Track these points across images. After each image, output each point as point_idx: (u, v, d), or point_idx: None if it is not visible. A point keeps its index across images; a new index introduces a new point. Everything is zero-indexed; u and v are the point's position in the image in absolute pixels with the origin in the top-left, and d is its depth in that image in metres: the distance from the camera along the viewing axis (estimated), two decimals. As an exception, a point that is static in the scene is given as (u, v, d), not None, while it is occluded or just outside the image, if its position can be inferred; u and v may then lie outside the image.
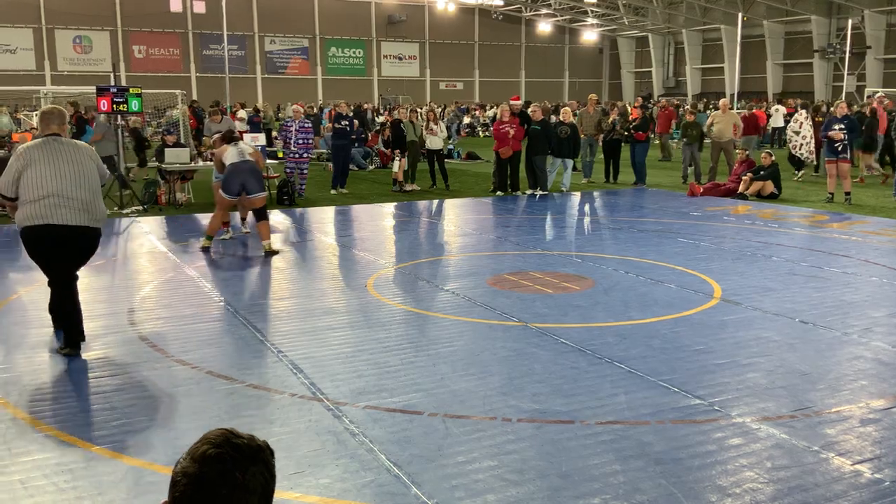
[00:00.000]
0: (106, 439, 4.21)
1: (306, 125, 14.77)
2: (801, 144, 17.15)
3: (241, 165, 9.32)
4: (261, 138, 14.34)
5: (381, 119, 27.34)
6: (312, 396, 4.80)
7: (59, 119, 5.72)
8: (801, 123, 17.19)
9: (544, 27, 54.57)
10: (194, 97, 33.26)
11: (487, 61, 53.69)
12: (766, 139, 26.58)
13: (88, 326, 6.39)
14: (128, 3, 43.55)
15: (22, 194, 5.46)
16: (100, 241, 5.79)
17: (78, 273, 5.81)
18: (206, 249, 9.60)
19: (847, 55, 31.07)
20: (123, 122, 14.82)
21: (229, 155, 9.40)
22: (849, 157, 13.56)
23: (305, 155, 14.57)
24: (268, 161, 14.25)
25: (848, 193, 13.46)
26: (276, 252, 9.47)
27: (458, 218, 12.91)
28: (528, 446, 4.12)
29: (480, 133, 35.42)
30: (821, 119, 16.59)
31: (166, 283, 7.98)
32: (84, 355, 5.66)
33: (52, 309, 5.89)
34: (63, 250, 5.53)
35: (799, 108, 21.59)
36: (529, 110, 15.47)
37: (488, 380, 5.11)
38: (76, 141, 5.89)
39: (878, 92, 24.80)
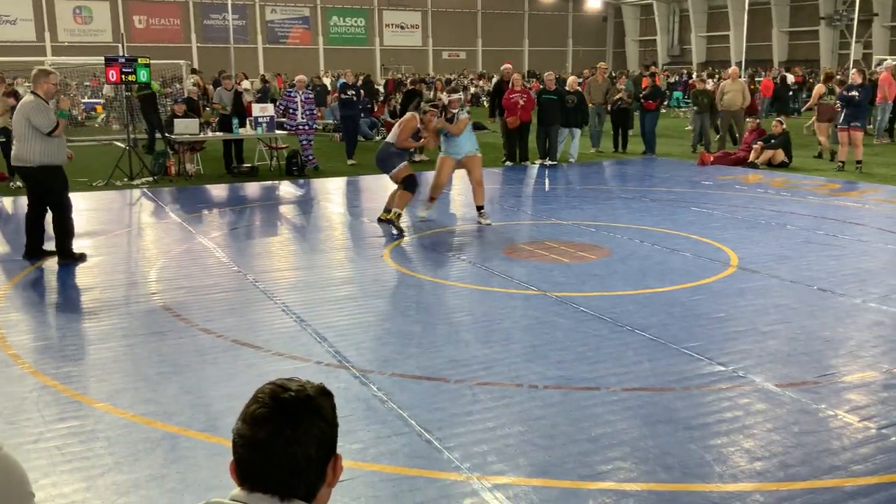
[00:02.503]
0: (138, 407, 4.26)
1: (310, 96, 14.74)
2: None
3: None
4: (269, 109, 14.26)
5: (381, 87, 27.16)
6: (339, 364, 4.84)
7: (33, 80, 7.43)
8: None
9: (548, -5, 54.01)
10: (195, 67, 32.97)
11: (490, 30, 53.18)
12: (774, 107, 26.42)
13: (109, 296, 6.46)
14: (128, -27, 43.12)
15: None
16: (43, 175, 7.29)
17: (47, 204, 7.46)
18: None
19: (854, 23, 30.73)
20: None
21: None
22: (861, 125, 13.50)
23: (314, 126, 14.54)
24: (277, 132, 14.23)
25: (859, 161, 13.42)
26: (394, 225, 8.87)
27: (469, 187, 12.86)
28: (556, 412, 4.17)
29: (485, 103, 35.20)
30: (829, 87, 16.55)
31: (183, 254, 8.00)
32: (108, 324, 5.71)
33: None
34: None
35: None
36: (545, 78, 15.40)
37: (511, 347, 5.14)
38: (25, 97, 7.54)
39: (885, 60, 24.58)
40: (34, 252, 7.59)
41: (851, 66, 27.52)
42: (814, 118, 20.44)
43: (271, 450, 1.41)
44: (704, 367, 4.76)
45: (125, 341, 5.34)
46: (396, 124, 9.52)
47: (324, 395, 1.48)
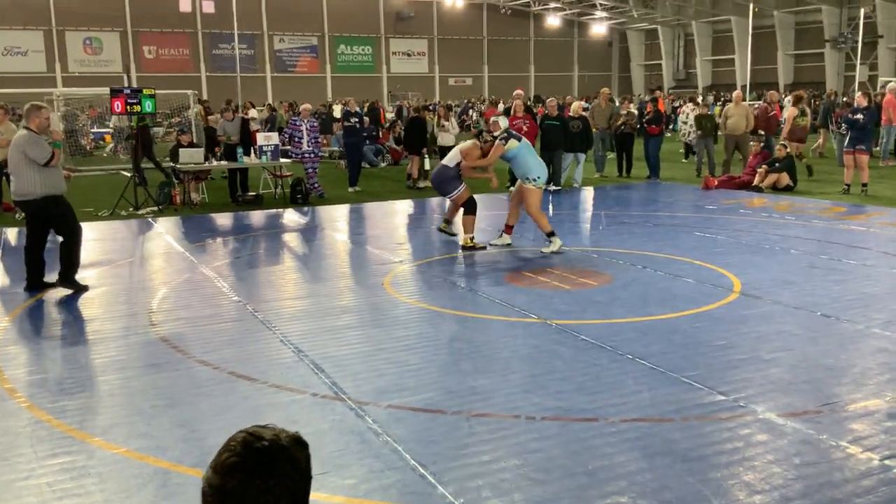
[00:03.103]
0: (131, 442, 4.22)
1: (315, 124, 14.85)
2: (689, 133, 18.38)
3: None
4: (274, 137, 14.34)
5: (389, 115, 27.25)
6: (335, 396, 4.80)
7: (25, 115, 7.63)
8: (688, 114, 18.65)
9: (553, 21, 54.37)
10: (205, 97, 33.28)
11: (496, 56, 53.52)
12: (779, 130, 26.40)
13: (109, 328, 6.45)
14: (137, 4, 43.64)
15: None
16: (45, 206, 7.41)
17: (51, 235, 7.68)
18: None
19: (859, 45, 30.77)
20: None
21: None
22: (867, 148, 13.46)
23: (319, 154, 14.64)
24: (282, 160, 14.30)
25: (865, 184, 13.36)
26: (473, 247, 9.28)
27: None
28: (553, 444, 4.11)
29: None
30: (801, 109, 16.77)
31: (184, 284, 8.00)
32: (105, 357, 5.69)
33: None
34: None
35: (686, 101, 23.45)
36: (547, 104, 15.43)
37: (510, 377, 5.10)
38: (17, 133, 7.68)
39: (890, 81, 24.58)
40: (35, 284, 7.64)
41: (857, 88, 27.53)
42: (819, 141, 20.44)
43: (242, 500, 1.38)
44: (705, 397, 4.70)
45: (121, 374, 5.31)
46: (457, 148, 9.65)
47: (299, 444, 1.44)
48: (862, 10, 31.87)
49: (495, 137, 9.29)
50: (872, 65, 38.02)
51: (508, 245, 9.47)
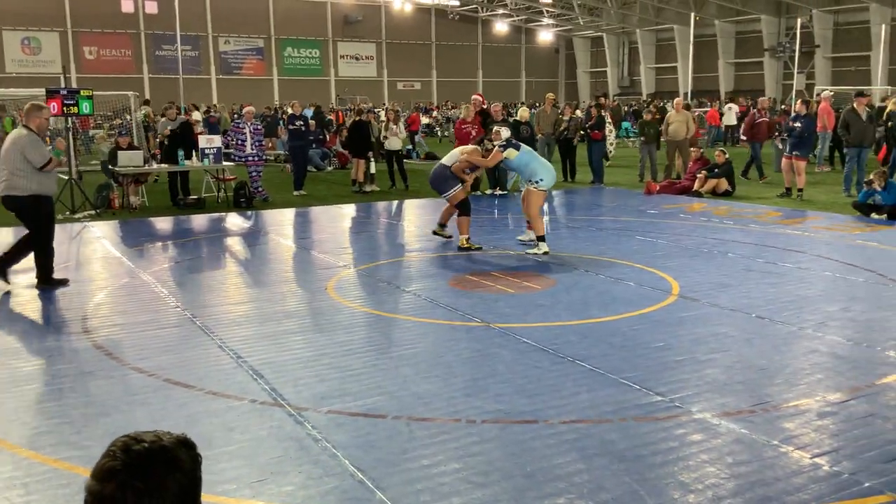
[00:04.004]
0: (61, 451, 4.09)
1: (258, 127, 14.69)
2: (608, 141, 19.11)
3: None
4: (216, 140, 14.12)
5: (332, 118, 27.03)
6: (273, 402, 4.73)
7: (25, 115, 7.72)
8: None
9: (501, 27, 54.78)
10: (147, 98, 32.62)
11: (445, 61, 53.70)
12: (719, 136, 27.04)
13: (40, 334, 6.26)
14: (78, 4, 42.61)
15: None
16: (33, 204, 7.47)
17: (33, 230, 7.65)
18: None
19: (796, 54, 31.71)
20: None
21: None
22: (803, 154, 13.87)
23: (263, 157, 14.49)
24: (225, 163, 14.09)
25: (801, 190, 13.75)
26: (467, 248, 9.35)
27: (418, 219, 12.88)
28: (492, 447, 4.11)
29: (439, 133, 35.44)
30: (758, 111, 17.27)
31: (121, 289, 7.81)
32: (35, 364, 5.52)
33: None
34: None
35: (605, 111, 23.74)
36: (491, 109, 15.50)
37: (452, 381, 5.09)
38: (16, 130, 7.70)
39: (824, 90, 25.36)
40: (48, 280, 7.80)
41: (794, 96, 28.34)
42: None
43: None
44: (642, 398, 4.76)
45: (51, 382, 5.16)
46: (458, 149, 9.73)
47: (183, 446, 1.40)
48: (799, 21, 32.85)
49: (496, 146, 9.43)
50: (809, 73, 39.21)
51: (532, 240, 9.56)
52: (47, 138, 9.05)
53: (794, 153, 13.78)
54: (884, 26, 34.22)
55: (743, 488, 3.66)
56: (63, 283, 7.79)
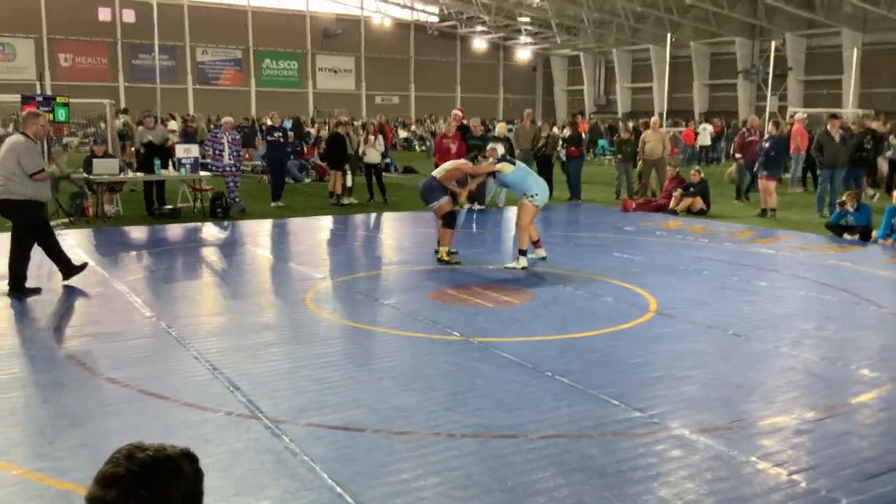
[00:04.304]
0: (33, 463, 4.01)
1: (236, 137, 14.63)
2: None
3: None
4: (193, 149, 14.01)
5: (311, 131, 26.95)
6: (250, 414, 4.68)
7: (23, 122, 8.04)
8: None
9: (479, 44, 55.08)
10: (123, 106, 32.31)
11: (423, 76, 53.83)
12: (694, 156, 27.35)
13: (11, 343, 6.15)
14: (54, 11, 42.19)
15: None
16: (21, 209, 7.58)
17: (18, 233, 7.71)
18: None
19: (770, 76, 32.19)
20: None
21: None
22: (770, 174, 14.11)
23: (240, 168, 14.42)
24: (202, 173, 13.99)
25: (773, 209, 13.95)
26: (447, 262, 9.35)
27: (396, 232, 12.87)
28: (472, 461, 4.09)
29: (417, 147, 35.51)
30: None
31: (94, 299, 7.70)
32: (6, 373, 5.41)
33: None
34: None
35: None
36: (470, 125, 15.54)
37: (431, 395, 5.06)
38: (13, 136, 7.84)
39: (797, 112, 25.79)
40: (69, 272, 8.12)
41: (768, 118, 28.76)
42: (731, 169, 21.33)
43: None
44: (621, 413, 4.77)
45: (22, 392, 5.06)
46: (449, 162, 9.78)
47: (186, 457, 1.39)
48: (773, 44, 33.35)
49: (490, 161, 9.44)
50: (782, 95, 39.80)
51: (544, 258, 9.53)
52: (52, 159, 9.72)
53: (763, 173, 14.06)
54: (855, 50, 34.85)
55: (722, 504, 3.67)
56: (36, 291, 7.72)
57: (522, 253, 9.19)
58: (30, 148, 7.60)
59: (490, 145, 9.82)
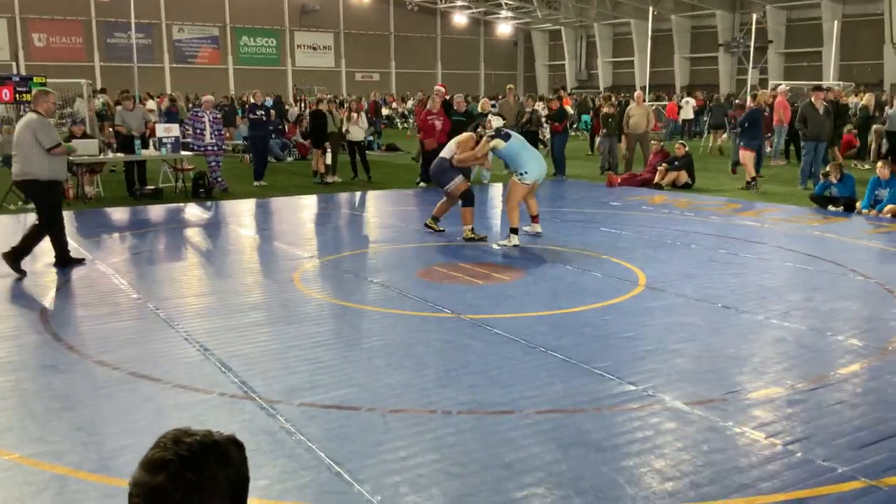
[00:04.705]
0: (25, 447, 3.96)
1: (218, 116, 14.45)
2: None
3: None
4: (174, 129, 13.83)
5: (293, 110, 26.64)
6: (244, 395, 4.64)
7: (34, 100, 8.09)
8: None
9: (460, 19, 54.67)
10: (99, 86, 31.81)
11: (404, 52, 53.42)
12: (677, 130, 27.38)
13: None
14: (26, -11, 41.44)
15: None
16: (46, 188, 7.80)
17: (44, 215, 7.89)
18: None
19: (751, 49, 32.22)
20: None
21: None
22: (748, 145, 14.28)
23: (221, 147, 14.27)
24: (183, 153, 13.82)
25: (753, 179, 14.17)
26: (473, 238, 9.40)
27: (382, 210, 12.80)
28: (469, 438, 4.09)
29: (399, 124, 35.29)
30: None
31: (79, 281, 7.60)
32: (-6, 359, 5.34)
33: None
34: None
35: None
36: (454, 101, 15.46)
37: (425, 372, 5.05)
38: (27, 115, 7.95)
39: (780, 84, 25.85)
40: (66, 261, 8.12)
41: (749, 90, 28.84)
42: (711, 141, 21.40)
43: (172, 497, 1.28)
44: (615, 387, 4.78)
45: (13, 376, 4.99)
46: (453, 141, 9.72)
47: (234, 444, 1.37)
48: (754, 16, 33.37)
49: (486, 135, 9.39)
50: (763, 69, 39.87)
51: (539, 234, 9.61)
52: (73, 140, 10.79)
53: (740, 143, 14.40)
54: (835, 22, 34.93)
55: (720, 475, 3.69)
56: (80, 262, 8.13)
57: (514, 231, 9.14)
58: (45, 124, 7.75)
59: (488, 117, 9.75)
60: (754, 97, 15.05)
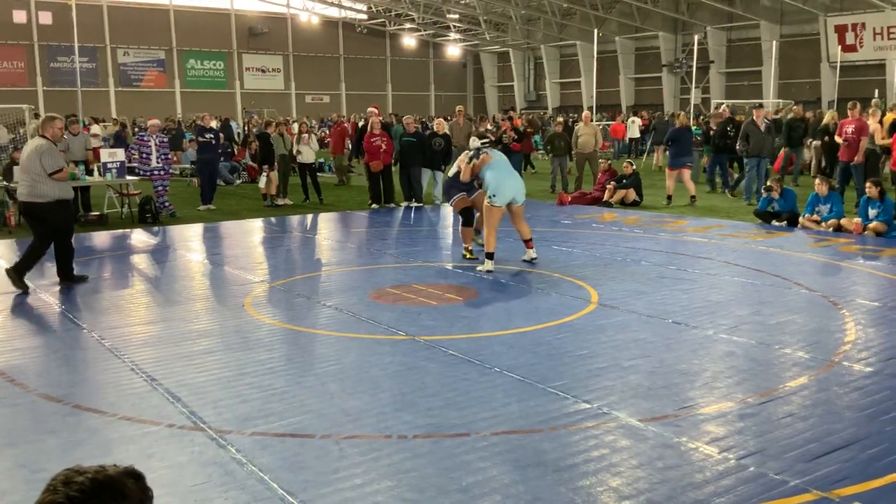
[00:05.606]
0: (-39, 488, 3.79)
1: (164, 140, 14.24)
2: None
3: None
4: (119, 154, 13.57)
5: (240, 131, 26.35)
6: (193, 426, 4.52)
7: (42, 125, 8.45)
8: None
9: (409, 41, 54.98)
10: (41, 112, 31.15)
11: (354, 74, 53.43)
12: (624, 149, 27.85)
13: (-68, 363, 5.82)
14: (-36, 13, 40.46)
15: None
16: (52, 210, 8.11)
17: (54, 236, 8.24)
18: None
19: (693, 69, 33.02)
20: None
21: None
22: (675, 164, 14.73)
23: (169, 171, 14.04)
24: (128, 177, 13.57)
25: (692, 197, 14.58)
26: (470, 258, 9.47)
27: (334, 232, 12.71)
28: (426, 462, 4.04)
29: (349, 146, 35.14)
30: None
31: (22, 311, 7.37)
32: (-71, 395, 5.12)
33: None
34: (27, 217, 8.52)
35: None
36: (404, 122, 15.49)
37: (380, 396, 4.99)
38: (35, 139, 8.33)
39: (722, 104, 26.48)
40: (69, 279, 8.45)
41: (692, 109, 29.49)
42: (655, 157, 21.85)
43: None
44: (570, 406, 4.78)
45: (-52, 413, 4.79)
46: (459, 159, 9.67)
47: (131, 476, 1.31)
48: (695, 38, 34.20)
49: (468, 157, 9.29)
50: (705, 88, 40.84)
51: (534, 259, 9.24)
52: (72, 164, 11.23)
53: (670, 163, 15.15)
54: (774, 42, 36.02)
55: (675, 492, 3.70)
56: (83, 279, 8.51)
57: (489, 256, 8.83)
58: (51, 149, 8.11)
59: (471, 139, 9.67)
60: (676, 117, 15.71)
